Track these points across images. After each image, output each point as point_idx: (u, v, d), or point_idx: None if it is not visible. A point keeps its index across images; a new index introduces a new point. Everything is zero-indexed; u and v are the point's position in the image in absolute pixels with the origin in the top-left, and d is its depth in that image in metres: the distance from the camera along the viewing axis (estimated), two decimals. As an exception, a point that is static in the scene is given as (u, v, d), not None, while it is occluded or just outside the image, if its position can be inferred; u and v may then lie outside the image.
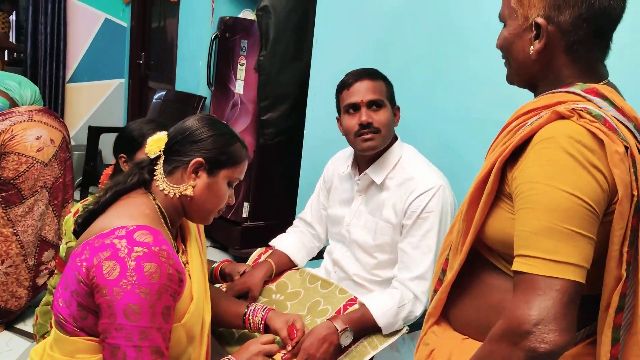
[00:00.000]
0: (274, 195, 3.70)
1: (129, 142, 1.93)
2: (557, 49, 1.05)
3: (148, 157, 1.41)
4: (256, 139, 3.54)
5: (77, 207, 1.86)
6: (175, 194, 1.36)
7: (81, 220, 1.36)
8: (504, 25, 1.12)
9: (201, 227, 1.62)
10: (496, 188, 1.06)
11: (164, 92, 4.50)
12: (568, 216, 0.91)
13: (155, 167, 1.39)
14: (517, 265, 0.95)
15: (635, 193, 0.95)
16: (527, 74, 1.12)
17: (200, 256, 1.49)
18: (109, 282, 1.15)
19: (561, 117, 0.98)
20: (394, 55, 2.49)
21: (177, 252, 1.43)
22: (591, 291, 0.99)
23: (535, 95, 1.14)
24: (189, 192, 1.36)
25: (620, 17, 1.05)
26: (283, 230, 2.16)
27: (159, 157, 1.39)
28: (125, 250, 1.17)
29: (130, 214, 1.28)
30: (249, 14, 3.78)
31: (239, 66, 3.61)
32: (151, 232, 1.22)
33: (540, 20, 1.03)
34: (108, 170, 2.09)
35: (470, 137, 2.19)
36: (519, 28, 1.08)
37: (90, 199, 1.80)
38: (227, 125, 1.47)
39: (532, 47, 1.05)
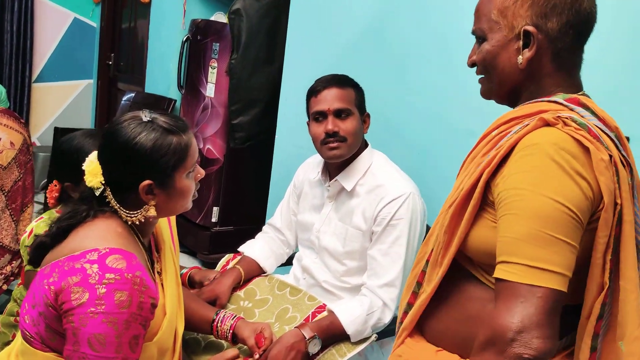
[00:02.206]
0: (244, 200, 3.67)
1: (73, 167, 1.49)
2: (545, 57, 1.05)
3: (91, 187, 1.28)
4: (227, 143, 3.51)
5: (31, 227, 1.73)
6: (136, 221, 1.28)
7: (33, 251, 1.27)
8: (483, 40, 1.11)
9: (175, 232, 1.58)
10: (481, 199, 1.06)
11: (132, 94, 4.44)
12: (552, 223, 0.92)
13: (106, 198, 1.27)
14: (500, 272, 0.95)
15: (619, 202, 0.96)
16: (511, 85, 1.11)
17: (174, 264, 1.46)
18: (76, 308, 1.11)
19: (546, 124, 0.98)
20: (366, 60, 2.49)
21: (152, 262, 1.39)
22: (571, 301, 0.99)
23: (512, 107, 1.14)
24: (152, 212, 1.28)
25: (595, 22, 1.07)
26: (253, 236, 2.14)
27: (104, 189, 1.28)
28: (96, 277, 1.12)
29: (102, 235, 1.21)
30: (221, 17, 3.75)
31: (210, 69, 3.57)
32: (125, 257, 1.17)
33: (530, 28, 1.03)
34: (53, 192, 1.72)
35: (442, 143, 2.20)
36: (504, 39, 1.07)
37: (45, 217, 1.73)
38: (152, 122, 1.26)
39: (520, 57, 1.05)
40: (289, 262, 2.13)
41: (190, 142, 1.30)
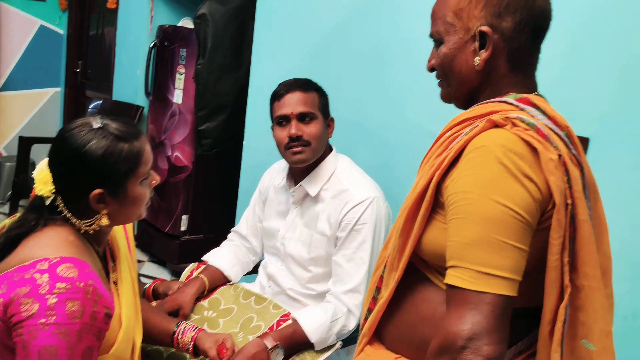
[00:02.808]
0: (213, 208, 3.62)
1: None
2: (501, 58, 1.04)
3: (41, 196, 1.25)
4: (195, 150, 3.46)
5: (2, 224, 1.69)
6: (90, 230, 1.24)
7: None
8: (440, 43, 1.10)
9: (131, 241, 1.54)
10: (432, 201, 1.05)
11: (100, 102, 4.36)
12: (500, 227, 0.91)
13: (57, 207, 1.24)
14: (449, 278, 0.94)
15: (570, 202, 0.95)
16: (469, 87, 1.10)
17: (130, 274, 1.42)
18: (25, 320, 1.07)
19: (495, 125, 0.98)
20: (333, 65, 2.47)
21: (107, 272, 1.35)
22: (523, 304, 0.98)
23: None
24: (105, 221, 1.24)
25: (550, 21, 1.06)
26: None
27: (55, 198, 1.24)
28: (46, 287, 1.07)
29: (53, 243, 1.17)
30: (188, 23, 3.71)
31: (177, 75, 3.53)
32: (76, 265, 1.13)
33: (485, 28, 1.02)
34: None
35: (409, 145, 2.18)
36: (461, 41, 1.06)
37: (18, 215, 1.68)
38: (103, 128, 1.22)
39: (477, 58, 1.04)
40: (255, 269, 2.09)
41: (143, 149, 1.26)
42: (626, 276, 1.55)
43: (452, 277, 0.93)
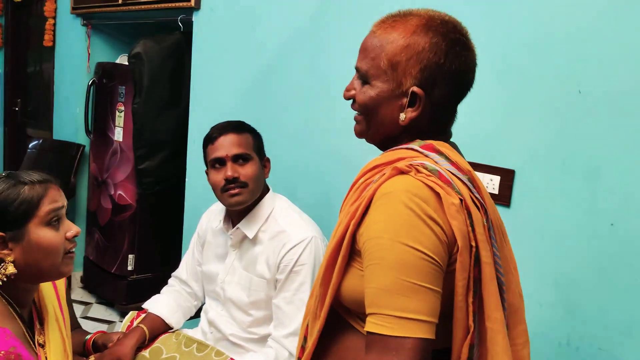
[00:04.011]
0: (160, 246, 3.55)
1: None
2: (425, 117, 1.06)
3: None
4: (137, 188, 3.40)
5: None
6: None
7: None
8: (366, 83, 1.09)
9: (63, 300, 1.49)
10: (349, 249, 1.05)
11: (39, 141, 4.25)
12: (413, 271, 0.92)
13: None
14: (369, 325, 0.94)
15: (474, 244, 0.97)
16: (387, 135, 1.10)
17: (61, 335, 1.37)
18: None
19: (400, 172, 0.99)
20: (269, 102, 2.48)
21: (33, 335, 1.30)
22: (437, 345, 0.99)
23: (382, 150, 1.15)
24: (11, 269, 1.20)
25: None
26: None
27: None
28: None
29: None
30: (126, 60, 3.66)
31: (117, 113, 3.47)
32: None
33: (418, 90, 1.03)
34: None
35: (347, 182, 2.19)
36: (390, 92, 1.06)
37: None
38: (7, 176, 1.25)
39: (403, 114, 1.05)
40: (198, 314, 2.06)
41: (46, 192, 1.25)
42: (559, 303, 1.59)
43: (371, 324, 0.94)
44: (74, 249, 1.31)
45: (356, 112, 1.15)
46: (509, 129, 1.67)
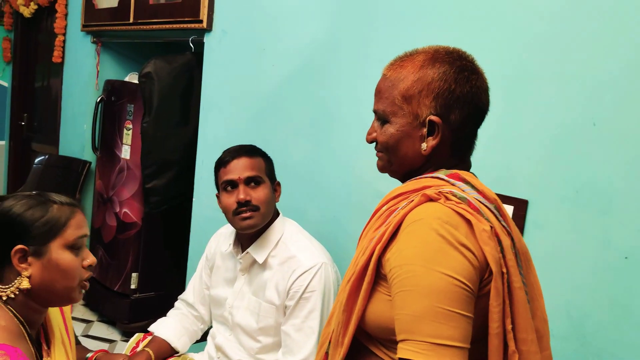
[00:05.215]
0: (164, 265, 3.53)
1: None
2: (446, 145, 1.09)
3: None
4: (144, 207, 3.39)
5: None
6: (10, 294, 1.20)
7: None
8: (385, 122, 1.13)
9: (70, 324, 1.48)
10: (375, 275, 1.06)
11: (45, 157, 4.25)
12: (447, 297, 0.93)
13: None
14: (402, 352, 0.95)
15: (504, 270, 0.99)
16: (411, 167, 1.14)
17: (67, 356, 1.36)
18: None
19: (429, 199, 1.01)
20: (279, 124, 2.48)
21: (40, 356, 1.29)
22: None
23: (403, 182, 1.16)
24: (25, 284, 1.20)
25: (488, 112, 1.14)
26: (174, 301, 2.06)
27: None
28: None
29: None
30: (135, 78, 3.67)
31: (125, 130, 3.48)
32: (8, 352, 1.09)
33: (435, 118, 1.06)
34: None
35: (357, 208, 2.19)
36: (409, 126, 1.09)
37: None
38: (39, 194, 1.28)
39: (424, 144, 1.08)
40: (204, 337, 2.04)
41: (73, 215, 1.28)
42: (572, 336, 1.57)
43: (405, 351, 0.94)
44: (88, 279, 1.31)
45: (378, 151, 1.18)
46: (523, 159, 1.66)
